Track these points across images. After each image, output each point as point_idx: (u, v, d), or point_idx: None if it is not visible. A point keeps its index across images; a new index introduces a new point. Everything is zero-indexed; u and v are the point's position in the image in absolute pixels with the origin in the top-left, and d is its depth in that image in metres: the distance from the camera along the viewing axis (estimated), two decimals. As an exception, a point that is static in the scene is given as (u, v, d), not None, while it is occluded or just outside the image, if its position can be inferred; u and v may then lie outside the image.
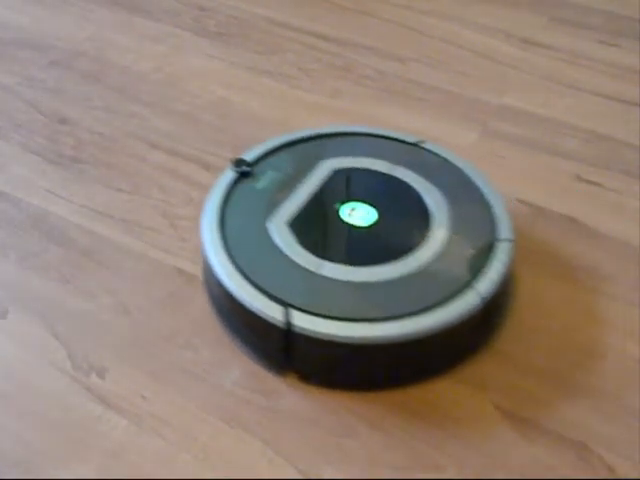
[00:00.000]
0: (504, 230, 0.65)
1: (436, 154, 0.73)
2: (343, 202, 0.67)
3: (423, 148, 0.74)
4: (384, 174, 0.71)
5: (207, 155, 0.85)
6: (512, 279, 0.69)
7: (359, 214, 0.66)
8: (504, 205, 0.68)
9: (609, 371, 0.64)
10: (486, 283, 0.60)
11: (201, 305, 0.68)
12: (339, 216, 0.66)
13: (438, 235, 0.64)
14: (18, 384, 0.62)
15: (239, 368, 0.63)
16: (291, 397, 0.61)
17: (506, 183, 0.82)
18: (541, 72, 0.99)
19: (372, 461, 0.57)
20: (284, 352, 0.60)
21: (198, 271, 0.71)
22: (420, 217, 0.66)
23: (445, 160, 0.73)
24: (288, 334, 0.58)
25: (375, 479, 0.56)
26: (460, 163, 0.72)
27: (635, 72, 0.99)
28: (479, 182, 0.70)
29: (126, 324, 0.67)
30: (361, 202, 0.67)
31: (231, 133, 0.88)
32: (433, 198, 0.68)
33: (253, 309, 0.59)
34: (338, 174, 0.70)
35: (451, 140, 0.87)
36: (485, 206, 0.68)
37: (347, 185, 0.70)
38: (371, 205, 0.67)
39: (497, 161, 0.85)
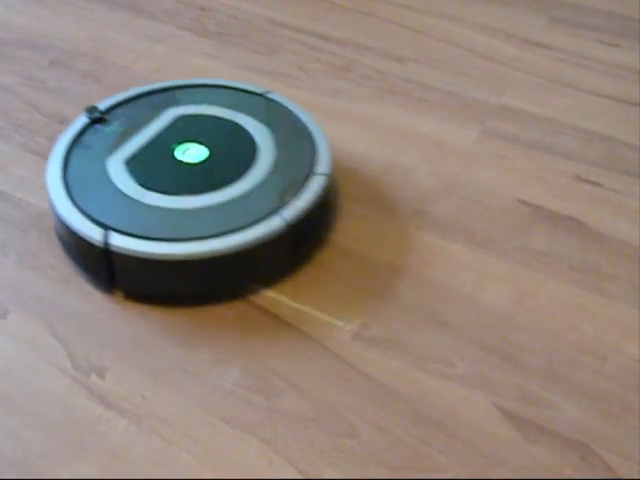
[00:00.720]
0: (322, 166, 0.73)
1: (278, 102, 0.81)
2: (179, 143, 0.75)
3: (267, 98, 0.82)
4: (222, 119, 0.79)
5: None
6: (333, 207, 0.78)
7: (192, 153, 0.74)
8: (328, 145, 0.75)
9: (609, 371, 0.64)
10: (292, 210, 0.68)
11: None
12: (173, 155, 0.74)
13: (260, 169, 0.72)
14: (18, 384, 0.62)
15: (239, 368, 0.63)
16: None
17: (506, 183, 0.82)
18: (541, 72, 0.99)
19: (372, 461, 0.57)
20: (107, 271, 0.68)
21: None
22: (248, 155, 0.74)
23: (284, 107, 0.81)
24: (107, 253, 0.66)
25: (375, 479, 0.56)
26: (297, 110, 0.80)
27: (635, 72, 0.99)
28: (311, 126, 0.78)
29: (126, 324, 0.67)
30: (196, 143, 0.75)
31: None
32: (264, 139, 0.76)
33: (79, 233, 0.67)
34: (181, 120, 0.78)
35: (451, 140, 0.87)
36: (311, 146, 0.75)
37: (186, 129, 0.77)
38: (205, 145, 0.75)
39: (497, 161, 0.85)
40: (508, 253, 0.74)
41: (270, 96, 0.82)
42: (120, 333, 0.66)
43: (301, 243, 0.72)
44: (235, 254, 0.66)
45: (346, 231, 0.76)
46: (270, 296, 0.69)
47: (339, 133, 0.88)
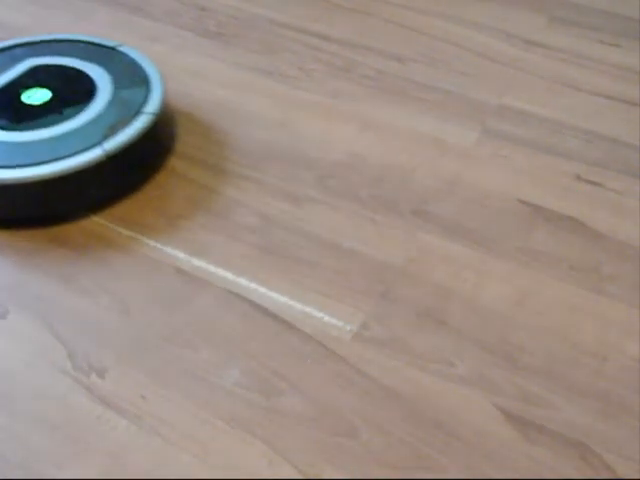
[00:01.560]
0: (151, 107, 0.82)
1: (126, 54, 0.90)
2: (28, 88, 0.84)
3: (117, 50, 0.91)
4: (71, 68, 0.88)
5: (209, 155, 0.85)
6: (164, 145, 0.86)
7: (36, 96, 0.83)
8: (162, 90, 0.84)
9: (609, 371, 0.64)
10: (112, 142, 0.77)
11: (202, 305, 0.68)
12: (20, 98, 0.83)
13: (95, 109, 0.81)
14: (18, 384, 0.62)
15: (239, 368, 0.63)
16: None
17: (506, 183, 0.82)
18: (541, 72, 0.99)
19: (372, 461, 0.57)
20: None
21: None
22: (87, 97, 0.83)
23: (131, 58, 0.89)
24: None
25: (375, 479, 0.56)
26: (142, 61, 0.88)
27: (635, 72, 0.99)
28: (152, 75, 0.86)
29: (126, 324, 0.67)
30: (42, 88, 0.84)
31: (231, 133, 0.88)
32: (104, 84, 0.85)
33: None
34: (34, 69, 0.87)
35: (451, 140, 0.87)
36: (147, 90, 0.84)
37: (37, 77, 0.86)
38: (49, 89, 0.84)
39: (497, 161, 0.85)
40: (508, 253, 0.74)
41: (120, 49, 0.91)
42: (120, 333, 0.66)
43: (123, 174, 0.80)
44: (57, 179, 0.74)
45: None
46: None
47: (339, 132, 0.88)
